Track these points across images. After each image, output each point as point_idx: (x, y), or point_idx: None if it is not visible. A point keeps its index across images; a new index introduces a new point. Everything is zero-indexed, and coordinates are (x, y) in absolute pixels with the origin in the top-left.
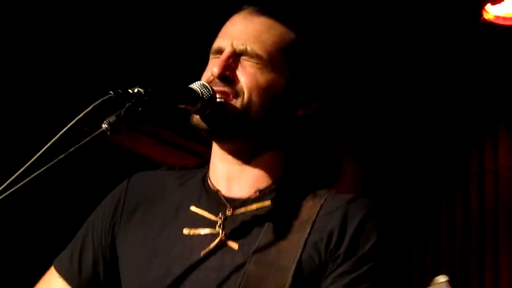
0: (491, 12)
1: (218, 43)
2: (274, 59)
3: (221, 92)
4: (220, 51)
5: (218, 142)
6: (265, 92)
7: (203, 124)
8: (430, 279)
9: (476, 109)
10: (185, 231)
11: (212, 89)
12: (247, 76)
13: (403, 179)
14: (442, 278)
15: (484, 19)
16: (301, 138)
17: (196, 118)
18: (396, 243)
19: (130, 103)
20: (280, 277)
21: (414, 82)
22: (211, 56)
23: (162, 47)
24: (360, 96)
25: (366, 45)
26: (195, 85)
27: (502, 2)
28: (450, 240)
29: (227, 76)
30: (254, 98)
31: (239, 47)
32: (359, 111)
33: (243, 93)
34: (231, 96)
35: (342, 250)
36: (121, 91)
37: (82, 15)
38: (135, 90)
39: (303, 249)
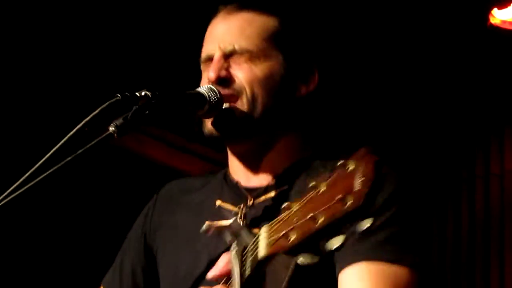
0: (497, 16)
1: (206, 50)
2: (263, 49)
3: (225, 96)
4: (210, 58)
5: (232, 146)
6: (265, 82)
7: (215, 132)
8: None
9: (482, 113)
10: (206, 223)
11: (219, 93)
12: (243, 71)
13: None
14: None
15: (491, 24)
16: (313, 118)
17: (209, 127)
18: (414, 193)
19: (137, 106)
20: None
21: (421, 86)
22: (202, 66)
23: (167, 49)
24: (364, 102)
25: (375, 53)
26: (202, 89)
27: (509, 7)
28: (456, 242)
29: (224, 77)
30: (257, 90)
31: (227, 48)
32: (365, 114)
33: (245, 89)
34: (235, 97)
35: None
36: (128, 94)
37: (86, 17)
38: (142, 93)
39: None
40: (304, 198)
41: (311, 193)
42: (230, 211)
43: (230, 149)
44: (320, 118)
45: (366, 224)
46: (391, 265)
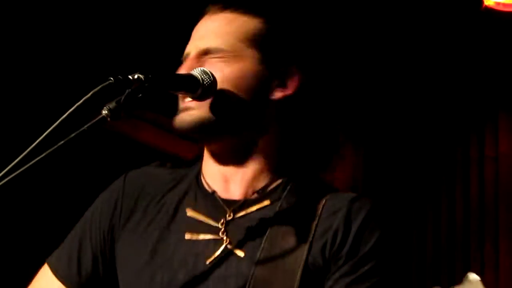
0: None
1: (186, 49)
2: (238, 49)
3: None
4: (188, 54)
5: (207, 144)
6: (236, 82)
7: (185, 127)
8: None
9: (476, 95)
10: (187, 236)
11: (213, 75)
12: (217, 72)
13: (403, 166)
14: (474, 276)
15: (485, 6)
16: (293, 125)
17: (177, 120)
18: (396, 242)
19: (130, 89)
20: (287, 281)
21: (414, 69)
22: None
23: (160, 34)
24: (359, 84)
25: (367, 33)
26: (196, 71)
27: None
28: (451, 225)
29: None
30: (231, 90)
31: (201, 47)
32: (358, 98)
33: (221, 91)
34: (202, 98)
35: (344, 251)
36: (121, 77)
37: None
38: (135, 76)
39: (309, 251)
40: None
41: None
42: (207, 224)
43: (206, 148)
44: (301, 122)
45: None
46: None
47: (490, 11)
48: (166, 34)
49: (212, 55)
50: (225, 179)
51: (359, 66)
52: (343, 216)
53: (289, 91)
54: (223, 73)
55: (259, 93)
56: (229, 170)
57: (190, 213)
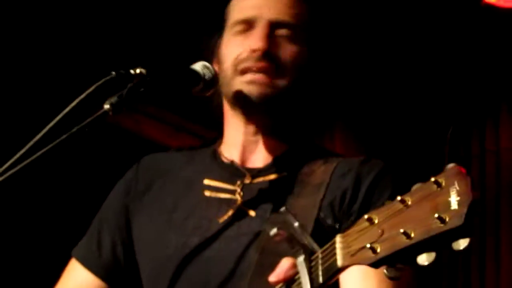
0: None
1: (244, 13)
2: (303, 32)
3: (263, 68)
4: (248, 22)
5: (253, 116)
6: (302, 67)
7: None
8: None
9: (477, 90)
10: (207, 193)
11: (214, 69)
12: (288, 53)
13: (404, 161)
14: (451, 165)
15: (485, 2)
16: (308, 109)
17: (248, 88)
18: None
19: (132, 84)
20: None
21: (416, 65)
22: (231, 29)
23: (161, 27)
24: (356, 71)
25: (372, 27)
26: (197, 66)
27: None
28: None
29: (272, 53)
30: (297, 75)
31: (275, 16)
32: (354, 86)
33: (288, 72)
34: (274, 74)
35: (355, 207)
36: (123, 72)
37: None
38: (137, 71)
39: (319, 210)
40: (387, 211)
41: (395, 206)
42: (224, 188)
43: (243, 121)
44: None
45: (464, 244)
46: None
47: (490, 7)
48: (168, 29)
49: (284, 31)
50: (244, 150)
51: (363, 60)
52: (353, 177)
53: (318, 75)
54: (295, 56)
55: (308, 80)
56: (250, 141)
57: (206, 181)
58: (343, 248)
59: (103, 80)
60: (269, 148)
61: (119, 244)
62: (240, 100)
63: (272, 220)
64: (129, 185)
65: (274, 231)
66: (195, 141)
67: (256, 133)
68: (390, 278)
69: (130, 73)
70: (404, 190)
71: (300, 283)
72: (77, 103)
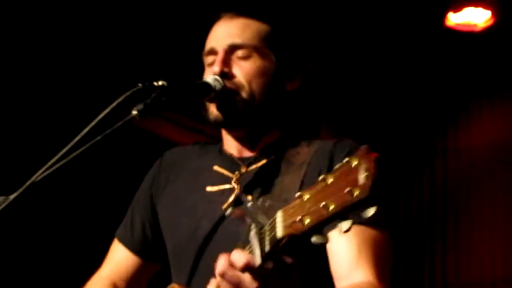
0: (452, 20)
1: (209, 44)
2: (259, 49)
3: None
4: (212, 51)
5: (231, 131)
6: (260, 78)
7: (221, 118)
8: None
9: (440, 97)
10: (208, 188)
11: (223, 81)
12: (242, 69)
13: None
14: (363, 147)
15: (447, 26)
16: (292, 112)
17: (215, 113)
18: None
19: (155, 94)
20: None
21: (390, 76)
22: (205, 59)
23: (176, 46)
24: (340, 76)
25: (353, 41)
26: (209, 79)
27: (461, 11)
28: (420, 208)
29: (227, 72)
30: (254, 86)
31: (229, 42)
32: (340, 90)
33: (244, 85)
34: (235, 90)
35: None
36: (148, 84)
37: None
38: (159, 83)
39: (301, 186)
40: (314, 188)
41: (320, 184)
42: (226, 176)
43: (228, 132)
44: (296, 109)
45: (371, 211)
46: (370, 227)
47: (451, 30)
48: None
49: (239, 52)
50: (240, 146)
51: (346, 66)
52: (328, 156)
53: (296, 84)
54: (250, 71)
55: (276, 86)
56: (245, 142)
57: (216, 167)
58: (282, 221)
59: (131, 91)
60: (261, 141)
61: (147, 224)
62: (214, 122)
63: (228, 211)
64: (153, 176)
65: (229, 210)
66: (208, 140)
67: (243, 136)
68: (318, 244)
69: (153, 84)
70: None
71: (252, 252)
72: (110, 110)
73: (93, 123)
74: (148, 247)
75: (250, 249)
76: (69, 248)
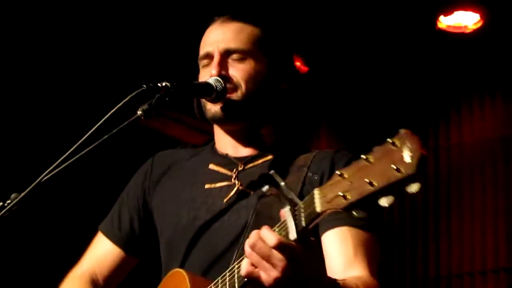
0: (443, 22)
1: (204, 49)
2: (253, 51)
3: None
4: (208, 55)
5: (229, 125)
6: (255, 79)
7: (221, 115)
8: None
9: (432, 96)
10: (207, 185)
11: (224, 83)
12: (238, 71)
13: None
14: (405, 130)
15: (438, 28)
16: (286, 110)
17: (215, 110)
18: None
19: (159, 94)
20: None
21: (384, 76)
22: (201, 63)
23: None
24: (336, 76)
25: (350, 42)
26: (210, 80)
27: (452, 14)
28: (413, 203)
29: (224, 75)
30: (250, 85)
31: (224, 47)
32: (336, 89)
33: (240, 85)
34: (232, 91)
35: None
36: (152, 85)
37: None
38: (163, 84)
39: (303, 185)
40: (355, 167)
41: (362, 162)
42: (223, 174)
43: (225, 128)
44: (291, 110)
45: (415, 187)
46: (364, 231)
47: (442, 32)
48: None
49: (234, 55)
50: (235, 145)
51: (342, 66)
52: (329, 161)
53: (288, 84)
54: (245, 72)
55: (269, 87)
56: (239, 139)
57: (211, 166)
58: (321, 198)
59: (136, 92)
60: (256, 138)
61: (136, 219)
62: (212, 118)
63: (266, 188)
64: (145, 174)
65: (266, 187)
66: (208, 137)
67: (237, 134)
68: (359, 219)
69: (157, 85)
70: None
71: (286, 228)
72: (116, 110)
73: (99, 123)
74: (133, 241)
75: (281, 227)
76: (74, 248)
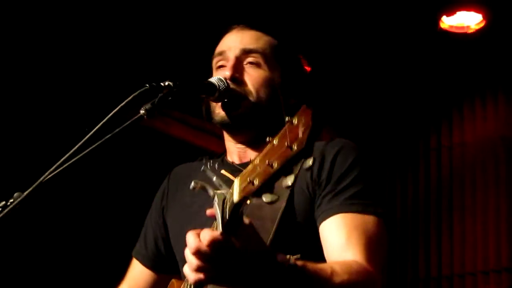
0: (446, 22)
1: (220, 48)
2: (269, 59)
3: (236, 92)
4: (221, 53)
5: (234, 134)
6: (267, 88)
7: (227, 120)
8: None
9: (434, 96)
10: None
11: (227, 82)
12: (252, 77)
13: (375, 155)
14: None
15: (441, 28)
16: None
17: (221, 115)
18: (372, 165)
19: (162, 94)
20: (277, 204)
21: (387, 77)
22: (215, 60)
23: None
24: (339, 77)
25: (351, 43)
26: (213, 79)
27: (455, 15)
28: (415, 203)
29: (237, 78)
30: (261, 94)
31: (241, 47)
32: (338, 90)
33: (252, 92)
34: (243, 96)
35: (324, 176)
36: (154, 84)
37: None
38: (166, 83)
39: (295, 180)
40: (263, 151)
41: (268, 146)
42: (231, 180)
43: (232, 136)
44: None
45: (309, 162)
46: (360, 214)
47: (445, 32)
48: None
49: (250, 59)
50: (240, 156)
51: (344, 67)
52: (319, 153)
53: (298, 97)
54: (259, 80)
55: (279, 99)
56: (244, 151)
57: (223, 172)
58: (237, 187)
59: (139, 91)
60: (258, 150)
61: (160, 238)
62: (220, 123)
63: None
64: (163, 191)
65: (192, 185)
66: (212, 138)
67: (245, 141)
68: (267, 203)
69: (160, 85)
70: (365, 157)
71: (217, 223)
72: (118, 110)
73: (102, 123)
74: (160, 260)
75: (214, 224)
76: (77, 248)
